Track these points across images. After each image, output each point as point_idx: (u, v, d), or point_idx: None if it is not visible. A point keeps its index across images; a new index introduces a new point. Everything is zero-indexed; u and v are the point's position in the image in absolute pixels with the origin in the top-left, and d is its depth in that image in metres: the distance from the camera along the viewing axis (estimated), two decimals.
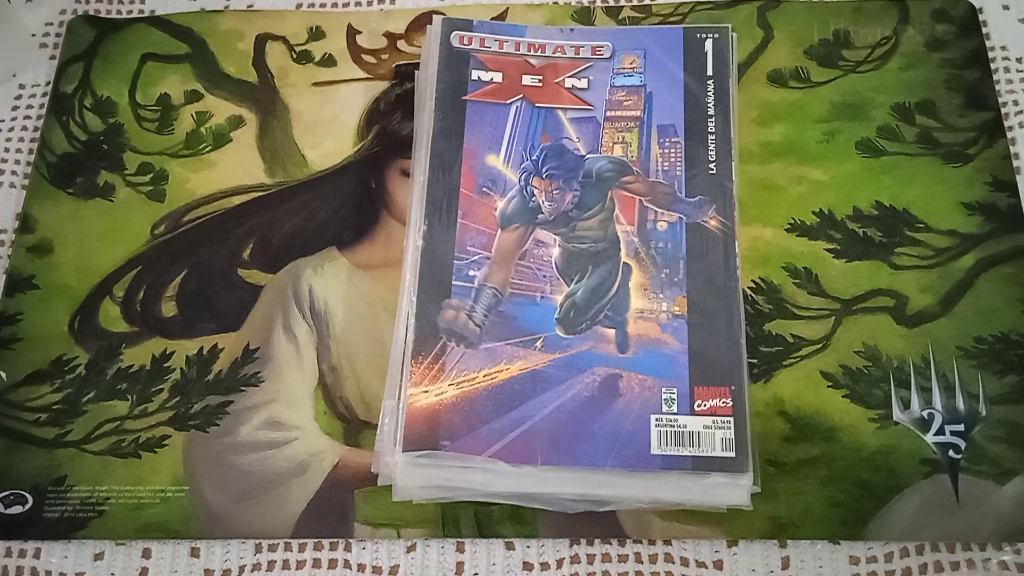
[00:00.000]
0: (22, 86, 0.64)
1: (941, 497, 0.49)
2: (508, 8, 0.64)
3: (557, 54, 0.59)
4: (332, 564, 0.50)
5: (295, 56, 0.63)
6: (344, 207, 0.58)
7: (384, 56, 0.63)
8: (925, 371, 0.52)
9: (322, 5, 0.66)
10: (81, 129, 0.61)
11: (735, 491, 0.48)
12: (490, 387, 0.51)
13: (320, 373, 0.53)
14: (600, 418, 0.50)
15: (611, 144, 0.57)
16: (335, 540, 0.50)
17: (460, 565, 0.50)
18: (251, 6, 0.66)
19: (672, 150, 0.56)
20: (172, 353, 0.54)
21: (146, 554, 0.50)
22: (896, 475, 0.50)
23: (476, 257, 0.54)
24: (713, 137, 0.56)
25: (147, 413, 0.53)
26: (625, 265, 0.54)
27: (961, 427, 0.50)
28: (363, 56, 0.63)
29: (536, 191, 0.55)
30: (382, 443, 0.50)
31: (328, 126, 0.61)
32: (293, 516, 0.50)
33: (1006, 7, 0.63)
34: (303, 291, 0.56)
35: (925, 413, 0.51)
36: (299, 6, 0.66)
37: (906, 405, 0.51)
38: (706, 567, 0.49)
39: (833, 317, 0.54)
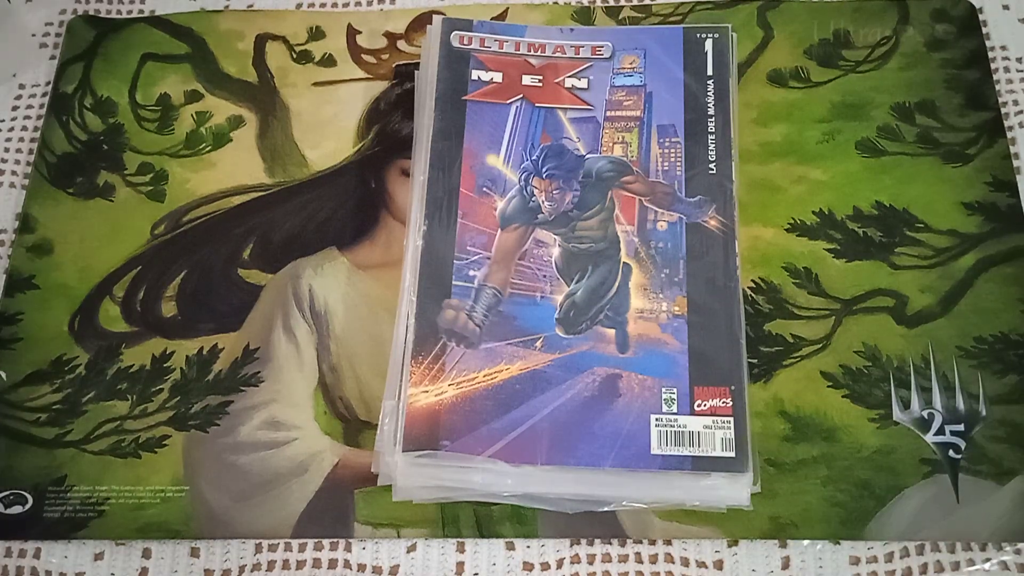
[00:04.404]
0: (22, 86, 0.64)
1: (941, 497, 0.49)
2: (508, 8, 0.64)
3: (557, 54, 0.59)
4: (332, 564, 0.50)
5: (295, 56, 0.63)
6: (344, 207, 0.58)
7: (384, 56, 0.63)
8: (925, 371, 0.52)
9: (322, 5, 0.66)
10: (81, 129, 0.61)
11: (735, 491, 0.48)
12: (490, 387, 0.51)
13: (320, 373, 0.53)
14: (600, 418, 0.50)
15: (611, 144, 0.57)
16: (335, 540, 0.50)
17: (460, 565, 0.50)
18: (251, 6, 0.66)
19: (672, 150, 0.56)
20: (172, 353, 0.54)
21: (146, 554, 0.50)
22: (896, 475, 0.50)
23: (476, 257, 0.54)
24: (713, 137, 0.56)
25: (147, 413, 0.53)
26: (625, 265, 0.54)
27: (961, 427, 0.50)
28: (363, 56, 0.63)
29: (536, 191, 0.55)
30: (382, 443, 0.50)
31: (328, 126, 0.61)
32: (293, 516, 0.50)
33: (1006, 7, 0.63)
34: (303, 291, 0.56)
35: (925, 413, 0.51)
36: (299, 6, 0.66)
37: (906, 405, 0.51)
38: (706, 567, 0.49)
39: (833, 317, 0.54)
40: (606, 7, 0.64)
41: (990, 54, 0.61)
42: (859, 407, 0.51)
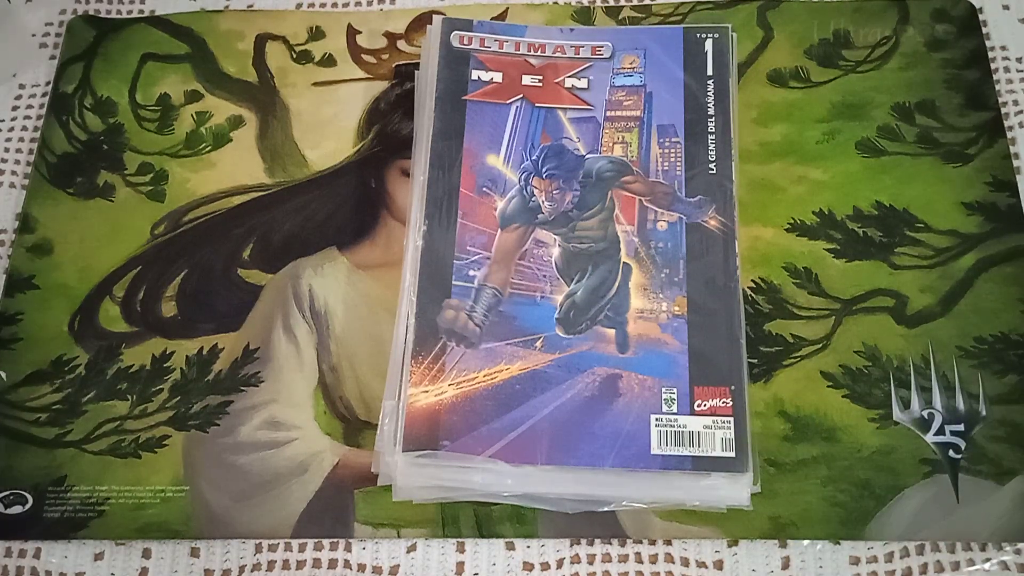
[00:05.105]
0: (22, 86, 0.64)
1: (941, 497, 0.49)
2: (508, 8, 0.64)
3: (557, 54, 0.59)
4: (332, 564, 0.50)
5: (295, 56, 0.63)
6: (344, 207, 0.58)
7: (384, 56, 0.63)
8: (925, 371, 0.52)
9: (322, 5, 0.66)
10: (81, 129, 0.61)
11: (735, 491, 0.48)
12: (490, 387, 0.51)
13: (320, 373, 0.53)
14: (600, 418, 0.50)
15: (611, 144, 0.57)
16: (335, 540, 0.50)
17: (460, 565, 0.50)
18: (251, 6, 0.66)
19: (672, 150, 0.56)
20: (172, 353, 0.54)
21: (146, 554, 0.50)
22: (896, 475, 0.50)
23: (476, 257, 0.54)
24: (713, 137, 0.56)
25: (147, 413, 0.53)
26: (625, 265, 0.54)
27: (961, 427, 0.50)
28: (363, 56, 0.63)
29: (536, 191, 0.55)
30: (382, 443, 0.50)
31: (328, 126, 0.61)
32: (293, 516, 0.50)
33: (1006, 7, 0.63)
34: (303, 291, 0.56)
35: (925, 413, 0.51)
36: (299, 6, 0.66)
37: (906, 405, 0.51)
38: (706, 567, 0.49)
39: (833, 317, 0.54)
40: (606, 7, 0.64)
41: (990, 54, 0.61)
42: (859, 407, 0.51)
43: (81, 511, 0.50)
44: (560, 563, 0.49)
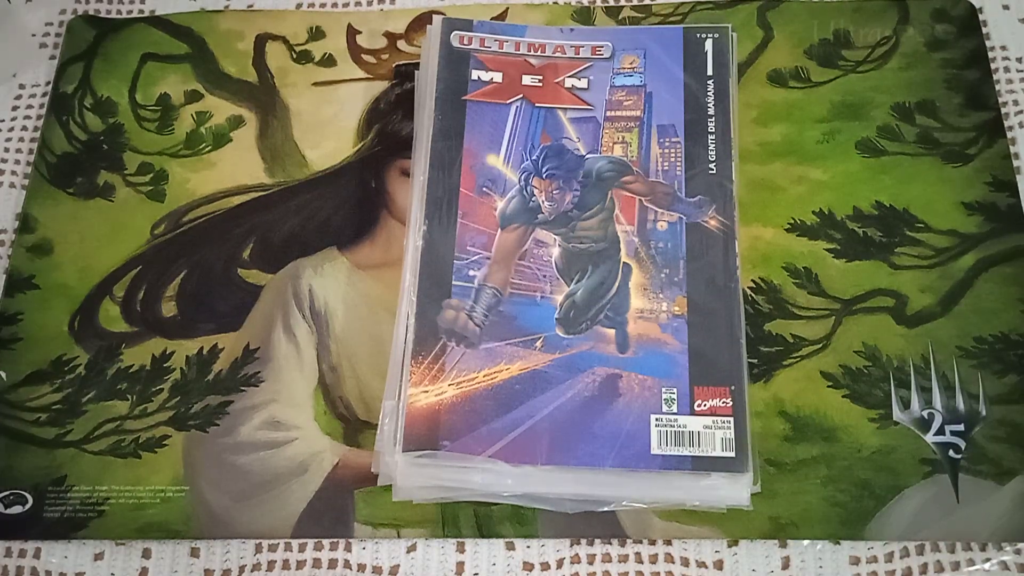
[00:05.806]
0: (22, 86, 0.64)
1: (941, 497, 0.49)
2: (508, 8, 0.64)
3: (557, 54, 0.59)
4: (332, 564, 0.50)
5: (295, 56, 0.63)
6: (344, 207, 0.58)
7: (384, 56, 0.63)
8: (925, 371, 0.52)
9: (322, 5, 0.66)
10: (81, 129, 0.61)
11: (735, 491, 0.48)
12: (490, 387, 0.51)
13: (320, 373, 0.53)
14: (600, 418, 0.50)
15: (611, 144, 0.57)
16: (335, 540, 0.50)
17: (460, 565, 0.50)
18: (251, 6, 0.66)
19: (672, 150, 0.56)
20: (172, 353, 0.54)
21: (146, 554, 0.50)
22: (896, 475, 0.50)
23: (476, 257, 0.54)
24: (713, 137, 0.56)
25: (147, 413, 0.53)
26: (625, 265, 0.54)
27: (961, 427, 0.50)
28: (363, 56, 0.63)
29: (536, 191, 0.55)
30: (382, 443, 0.50)
31: (328, 126, 0.61)
32: (293, 516, 0.50)
33: (1006, 7, 0.63)
34: (303, 291, 0.56)
35: (925, 413, 0.51)
36: (299, 6, 0.66)
37: (906, 405, 0.51)
38: (706, 567, 0.49)
39: (833, 317, 0.54)
40: (606, 7, 0.64)
41: (990, 54, 0.61)
42: (859, 407, 0.51)
43: (81, 511, 0.50)
44: (560, 563, 0.49)
